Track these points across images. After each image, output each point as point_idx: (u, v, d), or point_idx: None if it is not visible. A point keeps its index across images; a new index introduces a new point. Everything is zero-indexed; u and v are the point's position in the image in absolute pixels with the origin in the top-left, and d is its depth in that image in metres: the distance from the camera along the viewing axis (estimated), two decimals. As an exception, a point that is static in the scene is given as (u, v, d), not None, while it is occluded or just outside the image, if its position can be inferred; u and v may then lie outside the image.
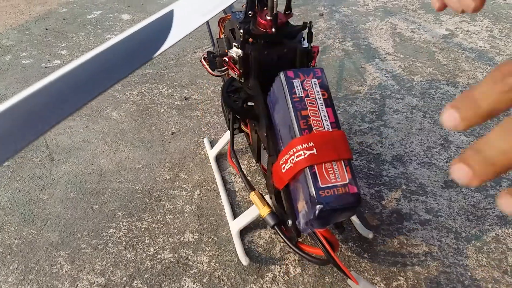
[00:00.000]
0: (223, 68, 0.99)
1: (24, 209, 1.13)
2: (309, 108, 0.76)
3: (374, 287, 0.92)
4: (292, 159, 0.73)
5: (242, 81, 0.91)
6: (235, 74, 0.90)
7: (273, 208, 0.90)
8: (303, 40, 0.90)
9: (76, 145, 1.37)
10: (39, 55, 1.94)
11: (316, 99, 0.77)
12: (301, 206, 0.74)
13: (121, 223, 1.09)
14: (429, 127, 1.41)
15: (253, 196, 0.92)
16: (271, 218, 0.87)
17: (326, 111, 0.76)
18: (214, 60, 1.04)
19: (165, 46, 0.58)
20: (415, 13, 2.28)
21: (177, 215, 1.10)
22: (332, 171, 0.71)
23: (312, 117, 0.75)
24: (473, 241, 1.02)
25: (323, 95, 0.77)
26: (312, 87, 0.77)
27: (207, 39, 2.06)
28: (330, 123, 0.75)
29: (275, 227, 0.87)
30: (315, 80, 0.78)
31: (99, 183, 1.21)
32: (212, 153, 1.28)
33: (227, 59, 0.88)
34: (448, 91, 1.59)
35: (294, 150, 0.73)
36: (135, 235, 1.05)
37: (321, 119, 0.75)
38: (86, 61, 0.55)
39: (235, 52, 0.87)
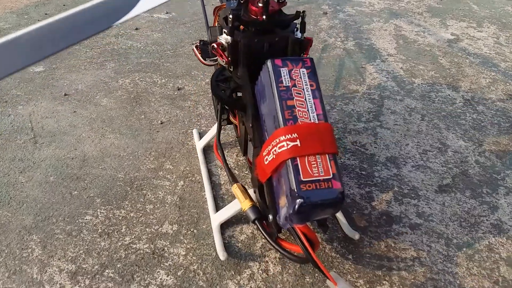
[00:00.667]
0: (216, 57, 0.95)
1: (1, 191, 1.09)
2: (295, 98, 0.72)
3: None
4: (275, 150, 0.69)
5: (231, 69, 0.88)
6: (223, 61, 0.86)
7: (256, 202, 0.86)
8: (296, 30, 0.86)
9: (62, 130, 1.33)
10: (35, 38, 1.91)
11: (303, 89, 0.73)
12: (283, 200, 0.70)
13: (98, 210, 1.04)
14: (427, 130, 1.36)
15: (235, 189, 0.88)
16: (252, 212, 0.83)
17: (313, 103, 0.72)
18: (206, 48, 1.00)
19: (134, 13, 0.54)
20: (421, 16, 2.23)
21: (158, 205, 1.06)
22: (315, 165, 0.67)
23: (298, 108, 0.71)
24: (464, 249, 0.98)
25: (311, 85, 0.73)
26: (300, 77, 0.74)
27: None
28: (317, 115, 0.71)
29: (256, 221, 0.83)
30: (304, 70, 0.74)
31: (81, 168, 1.17)
32: (199, 144, 1.24)
33: (215, 45, 0.84)
34: (449, 95, 1.55)
35: (277, 140, 0.69)
36: (112, 223, 1.01)
37: (308, 110, 0.71)
38: (59, 18, 0.53)
39: (225, 38, 0.83)
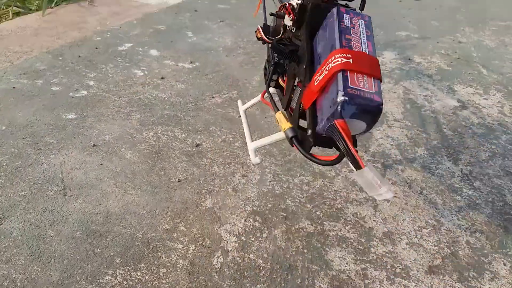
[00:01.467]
0: (275, 37, 1.14)
1: (32, 244, 1.23)
2: (352, 35, 0.86)
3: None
4: (328, 66, 0.81)
5: (293, 30, 1.05)
6: (290, 18, 1.04)
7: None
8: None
9: (89, 182, 1.47)
10: (68, 83, 2.07)
11: (360, 32, 0.87)
12: (326, 109, 0.80)
13: (117, 270, 1.17)
14: (424, 205, 1.45)
15: (279, 115, 1.01)
16: (290, 131, 0.96)
17: (367, 43, 0.86)
18: (267, 28, 1.19)
19: None
20: (430, 79, 2.34)
21: (170, 269, 1.18)
22: (362, 81, 0.78)
23: (353, 42, 0.85)
24: (446, 334, 1.06)
25: (367, 32, 0.88)
26: (359, 24, 0.88)
27: (227, 84, 2.16)
28: (369, 51, 0.84)
29: (293, 139, 0.94)
30: (362, 21, 0.90)
31: (104, 225, 1.30)
32: (243, 107, 1.43)
33: (287, 4, 1.04)
34: (448, 167, 1.64)
35: (332, 58, 0.81)
36: (128, 285, 1.13)
37: (361, 46, 0.84)
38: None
39: (295, 1, 1.03)
